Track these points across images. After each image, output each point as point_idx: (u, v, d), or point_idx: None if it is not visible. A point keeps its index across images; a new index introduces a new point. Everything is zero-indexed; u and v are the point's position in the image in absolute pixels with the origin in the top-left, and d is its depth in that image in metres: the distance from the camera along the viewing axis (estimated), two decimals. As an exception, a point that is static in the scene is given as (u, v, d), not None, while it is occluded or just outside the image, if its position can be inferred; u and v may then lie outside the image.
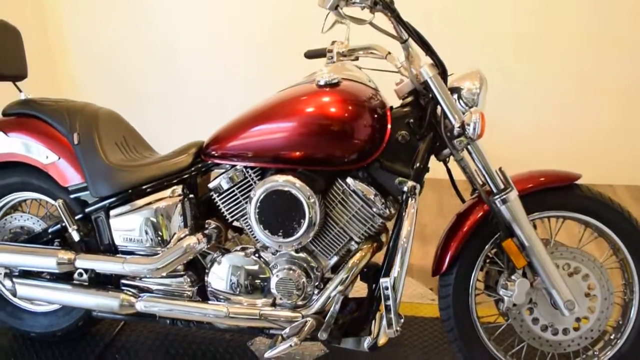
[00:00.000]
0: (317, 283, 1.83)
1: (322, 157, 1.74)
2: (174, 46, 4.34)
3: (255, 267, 1.85)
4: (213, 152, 1.85)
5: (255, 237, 1.83)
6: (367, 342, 1.78)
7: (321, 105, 1.74)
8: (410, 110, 1.79)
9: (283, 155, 1.76)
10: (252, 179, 1.84)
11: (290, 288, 1.80)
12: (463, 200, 1.95)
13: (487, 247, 1.82)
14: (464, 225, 1.82)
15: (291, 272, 1.80)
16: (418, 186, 1.75)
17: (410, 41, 1.70)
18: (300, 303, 1.83)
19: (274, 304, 1.86)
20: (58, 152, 2.00)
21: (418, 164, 1.76)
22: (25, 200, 2.19)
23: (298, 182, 1.71)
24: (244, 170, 1.84)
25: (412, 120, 1.77)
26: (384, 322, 1.63)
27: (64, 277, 2.01)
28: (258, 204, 1.75)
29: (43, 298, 2.00)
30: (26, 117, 2.06)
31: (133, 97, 4.38)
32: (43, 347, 2.21)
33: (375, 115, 1.76)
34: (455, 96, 1.77)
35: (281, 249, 1.81)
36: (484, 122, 1.62)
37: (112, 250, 1.97)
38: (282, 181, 1.72)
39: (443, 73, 1.75)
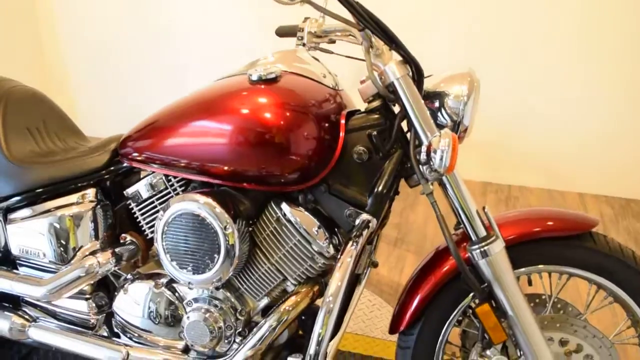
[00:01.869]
0: (240, 329, 1.45)
1: (253, 173, 1.34)
2: (172, 31, 3.82)
3: (166, 303, 1.49)
4: (129, 153, 1.48)
5: None
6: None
7: (251, 107, 1.33)
8: (374, 118, 1.36)
9: (206, 167, 1.37)
10: (175, 189, 1.47)
11: (203, 334, 1.42)
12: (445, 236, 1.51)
13: (463, 303, 1.40)
14: (432, 275, 1.39)
15: (207, 314, 1.42)
16: (374, 221, 1.33)
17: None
18: (217, 352, 1.46)
19: (187, 351, 1.49)
20: (-39, 138, 1.67)
21: (379, 190, 1.34)
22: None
23: (213, 205, 1.32)
24: (164, 179, 1.47)
25: (375, 133, 1.34)
26: None
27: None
28: (165, 228, 1.37)
29: None
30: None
31: (127, 78, 3.98)
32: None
33: (324, 123, 1.34)
34: (437, 104, 1.33)
35: (193, 287, 1.44)
36: (456, 151, 1.18)
37: (9, 261, 1.63)
38: (192, 202, 1.33)
39: (417, 74, 1.31)
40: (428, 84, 1.37)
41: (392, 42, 1.25)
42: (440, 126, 1.34)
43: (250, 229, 1.40)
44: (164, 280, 1.49)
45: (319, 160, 1.34)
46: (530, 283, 1.45)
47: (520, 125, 3.05)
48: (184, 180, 1.46)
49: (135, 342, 1.52)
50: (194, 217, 1.34)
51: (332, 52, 1.45)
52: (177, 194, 1.46)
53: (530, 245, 1.35)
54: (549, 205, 2.91)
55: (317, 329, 1.22)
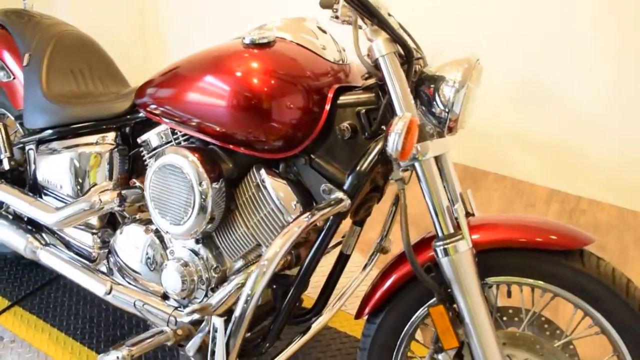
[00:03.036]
0: (213, 285, 1.49)
1: (239, 136, 1.36)
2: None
3: (151, 248, 1.56)
4: (142, 103, 1.55)
5: None
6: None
7: (240, 69, 1.33)
8: (366, 97, 1.32)
9: (201, 125, 1.40)
10: (180, 142, 1.52)
11: (176, 284, 1.47)
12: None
13: (431, 301, 1.32)
14: (407, 263, 1.33)
15: (183, 266, 1.47)
16: (347, 202, 1.30)
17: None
18: (191, 303, 1.51)
19: (165, 297, 1.56)
20: (14, 72, 1.85)
21: (359, 170, 1.30)
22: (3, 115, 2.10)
23: (192, 160, 1.35)
24: (170, 130, 1.53)
25: (363, 111, 1.30)
26: None
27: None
28: (153, 176, 1.43)
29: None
30: (4, 29, 1.93)
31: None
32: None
33: (312, 95, 1.32)
34: (433, 89, 1.26)
35: (172, 237, 1.49)
36: (412, 136, 1.11)
37: (37, 189, 1.79)
38: (178, 155, 1.38)
39: (406, 54, 1.24)
40: (431, 67, 1.30)
41: (374, 17, 1.19)
42: (433, 113, 1.27)
43: (234, 191, 1.42)
44: (153, 227, 1.56)
45: (303, 131, 1.32)
46: (509, 295, 1.34)
47: (600, 131, 2.76)
48: (187, 135, 1.51)
49: (126, 281, 1.62)
50: (176, 169, 1.38)
51: (361, 27, 1.41)
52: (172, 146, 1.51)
53: (510, 253, 1.25)
54: (616, 225, 2.63)
55: (247, 288, 1.22)
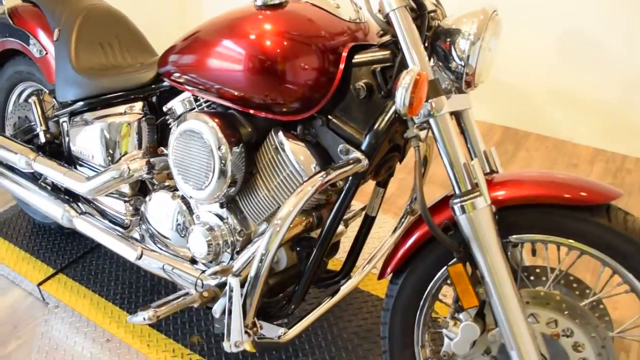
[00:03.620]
0: (238, 249, 1.51)
1: (257, 100, 1.36)
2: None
3: (177, 213, 1.59)
4: (165, 71, 1.57)
5: None
6: (278, 333, 1.44)
7: (252, 32, 1.32)
8: (382, 54, 1.29)
9: (221, 90, 1.41)
10: (203, 109, 1.54)
11: (202, 247, 1.50)
12: None
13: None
14: (425, 225, 1.31)
15: (209, 230, 1.50)
16: (365, 162, 1.29)
17: None
18: (211, 260, 1.54)
19: (193, 261, 1.59)
20: (46, 48, 1.90)
21: (376, 129, 1.28)
22: (40, 90, 2.17)
23: (211, 125, 1.36)
24: (192, 97, 1.54)
25: (379, 70, 1.27)
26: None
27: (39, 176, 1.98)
28: (175, 142, 1.45)
29: (12, 191, 1.99)
30: (35, 6, 1.98)
31: None
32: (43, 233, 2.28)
33: (326, 54, 1.30)
34: (448, 43, 1.22)
35: (196, 201, 1.51)
36: (421, 91, 1.08)
37: (71, 160, 1.85)
38: (197, 121, 1.39)
39: (418, 7, 1.20)
40: (448, 22, 1.26)
41: None
42: (449, 68, 1.23)
43: (254, 154, 1.43)
44: (179, 193, 1.59)
45: (318, 92, 1.31)
46: (534, 253, 1.30)
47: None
48: (209, 101, 1.52)
49: (158, 247, 1.66)
50: (196, 135, 1.40)
51: None
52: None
53: (533, 210, 1.21)
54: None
55: (260, 248, 1.23)
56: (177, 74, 1.50)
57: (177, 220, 1.59)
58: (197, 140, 1.40)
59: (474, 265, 1.21)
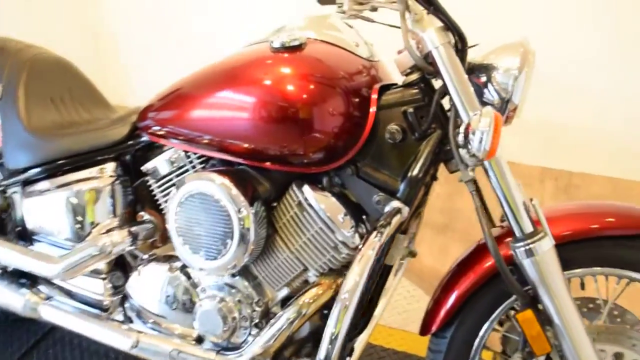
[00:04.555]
0: (257, 321, 1.34)
1: (274, 152, 1.22)
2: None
3: (179, 288, 1.39)
4: (148, 126, 1.38)
5: None
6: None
7: (271, 78, 1.20)
8: (411, 93, 1.21)
9: (225, 143, 1.26)
10: (194, 166, 1.36)
11: (216, 324, 1.32)
12: (493, 224, 1.35)
13: (505, 304, 1.23)
14: (471, 271, 1.23)
15: (221, 303, 1.32)
16: (406, 210, 1.19)
17: None
18: (232, 344, 1.36)
19: (199, 340, 1.40)
20: (-16, 107, 1.62)
21: (413, 175, 1.19)
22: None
23: (229, 186, 1.20)
24: (183, 154, 1.37)
25: (411, 110, 1.19)
26: None
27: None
28: (178, 208, 1.27)
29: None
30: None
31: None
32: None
33: (353, 97, 1.20)
34: (484, 79, 1.16)
35: (204, 273, 1.33)
36: (498, 133, 1.01)
37: (26, 237, 1.58)
38: (207, 181, 1.22)
39: (461, 42, 1.14)
40: (475, 56, 1.21)
41: (430, 4, 1.08)
42: (486, 104, 1.17)
43: (271, 213, 1.28)
44: (178, 264, 1.40)
45: (347, 138, 1.20)
46: (582, 287, 1.27)
47: (583, 103, 2.76)
48: (204, 157, 1.35)
49: (149, 327, 1.44)
50: (207, 198, 1.23)
51: (373, 21, 1.29)
52: (196, 171, 1.35)
53: (584, 244, 1.17)
54: (612, 196, 2.65)
55: (330, 326, 1.10)
56: (164, 128, 1.33)
57: (176, 295, 1.39)
58: (209, 204, 1.23)
59: (537, 309, 1.15)
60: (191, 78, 1.33)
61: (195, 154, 1.35)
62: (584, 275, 1.20)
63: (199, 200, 1.24)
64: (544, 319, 1.14)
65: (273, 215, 1.28)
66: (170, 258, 1.43)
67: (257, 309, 1.33)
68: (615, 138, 2.78)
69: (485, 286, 1.23)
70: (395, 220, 1.16)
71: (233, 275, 1.33)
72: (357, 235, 1.23)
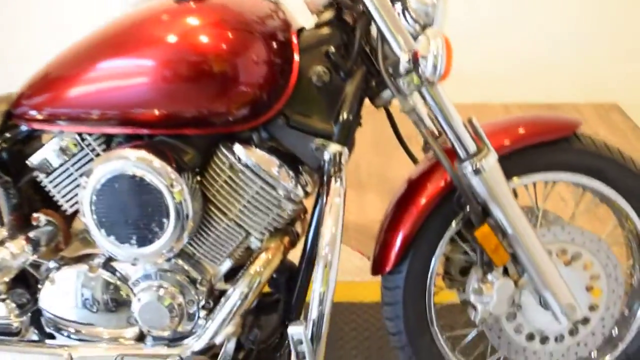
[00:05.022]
0: (203, 302, 1.23)
1: (193, 115, 1.09)
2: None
3: (106, 287, 1.22)
4: (27, 112, 1.17)
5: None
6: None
7: (180, 31, 1.06)
8: (330, 32, 1.14)
9: (131, 115, 1.10)
10: (94, 149, 1.18)
11: (161, 315, 1.18)
12: (415, 161, 1.35)
13: (450, 229, 1.25)
14: (413, 205, 1.23)
15: (161, 291, 1.18)
16: (346, 152, 1.14)
17: None
18: (180, 333, 1.23)
19: (142, 338, 1.25)
20: None
21: (345, 116, 1.13)
22: None
23: (150, 160, 1.06)
24: (77, 138, 1.17)
25: (332, 49, 1.13)
26: None
27: None
28: (94, 198, 1.10)
29: None
30: None
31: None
32: None
33: (273, 44, 1.10)
34: (399, 8, 1.12)
35: (138, 262, 1.18)
36: (451, 53, 0.99)
37: None
38: (123, 160, 1.07)
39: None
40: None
41: None
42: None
43: (199, 182, 1.16)
44: (99, 261, 1.22)
45: (273, 88, 1.11)
46: (515, 195, 1.33)
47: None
48: (103, 136, 1.18)
49: (76, 339, 1.26)
50: (129, 179, 1.07)
51: None
52: (98, 154, 1.17)
53: (518, 154, 1.22)
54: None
55: (317, 288, 1.02)
56: (49, 111, 1.14)
57: (105, 297, 1.22)
58: (134, 185, 1.08)
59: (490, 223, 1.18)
60: (79, 47, 1.14)
61: (91, 135, 1.17)
62: (520, 185, 1.26)
63: (119, 183, 1.08)
64: (497, 232, 1.18)
65: (202, 184, 1.16)
66: (85, 257, 1.24)
67: (201, 289, 1.21)
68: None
69: (428, 218, 1.23)
70: (345, 163, 1.11)
71: (166, 260, 1.20)
72: (300, 188, 1.16)
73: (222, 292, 1.23)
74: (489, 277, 1.20)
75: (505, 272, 1.22)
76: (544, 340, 1.29)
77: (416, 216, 1.22)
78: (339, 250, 1.01)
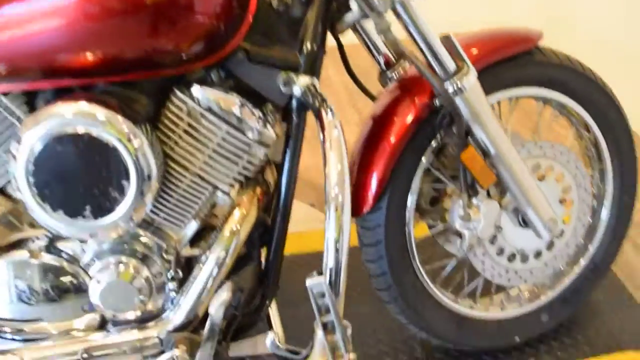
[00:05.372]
0: (172, 273, 1.08)
1: (134, 56, 0.92)
2: None
3: (54, 274, 1.04)
4: None
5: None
6: (269, 341, 1.12)
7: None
8: None
9: (56, 63, 0.91)
10: (14, 113, 0.97)
11: (128, 294, 1.02)
12: (372, 98, 1.27)
13: (424, 160, 1.19)
14: (385, 141, 1.15)
15: (121, 267, 1.01)
16: (317, 82, 1.02)
17: None
18: (149, 312, 1.08)
19: (102, 325, 1.08)
20: None
21: (310, 45, 1.01)
22: None
23: (98, 113, 0.88)
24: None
25: None
26: (320, 340, 0.94)
27: None
28: (30, 167, 0.90)
29: None
30: None
31: None
32: None
33: None
34: None
35: (95, 237, 1.00)
36: None
37: None
38: (61, 118, 0.88)
39: None
40: None
41: None
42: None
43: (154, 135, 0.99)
44: (41, 244, 1.02)
45: (230, 17, 0.95)
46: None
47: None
48: (23, 96, 0.97)
49: (22, 340, 1.06)
50: (72, 139, 0.89)
51: None
52: (19, 118, 0.96)
53: (481, 73, 1.17)
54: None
55: (330, 235, 0.91)
56: None
57: (53, 285, 1.03)
58: (81, 145, 0.89)
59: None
60: None
61: (6, 95, 0.96)
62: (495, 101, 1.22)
63: (60, 145, 0.89)
64: (481, 152, 1.13)
65: (156, 137, 1.00)
66: (20, 243, 1.04)
67: (168, 257, 1.06)
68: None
69: (405, 147, 1.16)
70: (322, 94, 1.00)
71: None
72: (271, 129, 1.03)
73: (189, 260, 1.09)
74: (474, 201, 1.16)
75: (487, 195, 1.19)
76: (525, 258, 1.28)
77: (390, 152, 1.14)
78: (349, 189, 0.90)
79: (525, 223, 1.23)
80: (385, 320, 1.43)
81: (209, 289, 1.04)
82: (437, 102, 1.11)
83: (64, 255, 1.04)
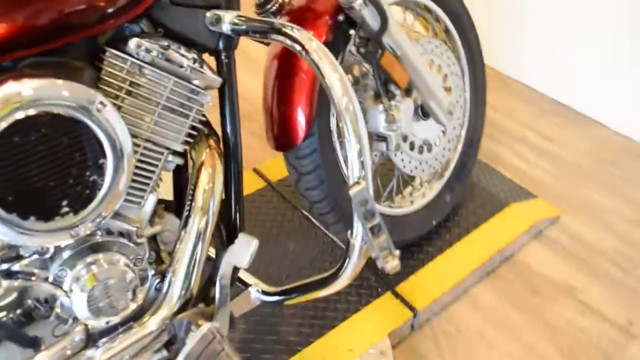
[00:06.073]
0: (151, 260, 0.97)
1: (58, 18, 0.78)
2: None
3: (27, 293, 0.85)
4: None
5: None
6: (255, 294, 1.09)
7: None
8: None
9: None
10: None
11: (118, 292, 0.89)
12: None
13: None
14: (305, 65, 1.16)
15: (94, 268, 0.87)
16: (242, 14, 0.98)
17: None
18: (140, 306, 0.96)
19: (88, 342, 0.92)
20: None
21: None
22: None
23: (49, 86, 0.74)
24: None
25: None
26: (358, 250, 0.93)
27: None
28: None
29: None
30: None
31: None
32: None
33: None
34: None
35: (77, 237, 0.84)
36: None
37: None
38: (17, 98, 0.72)
39: None
40: None
41: None
42: None
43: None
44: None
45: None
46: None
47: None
48: None
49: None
50: (25, 124, 0.73)
51: None
52: None
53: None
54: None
55: (352, 147, 0.87)
56: None
57: (30, 304, 0.85)
58: (40, 129, 0.74)
59: None
60: None
61: None
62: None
63: (21, 133, 0.72)
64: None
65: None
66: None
67: (139, 241, 0.94)
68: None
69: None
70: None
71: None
72: (212, 72, 0.96)
73: (154, 237, 0.99)
74: (393, 103, 1.24)
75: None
76: (429, 148, 1.43)
77: (311, 81, 1.16)
78: (356, 98, 0.89)
79: (425, 115, 1.36)
80: (311, 252, 1.49)
81: (198, 259, 0.96)
82: (340, 19, 1.15)
83: (20, 276, 0.85)
